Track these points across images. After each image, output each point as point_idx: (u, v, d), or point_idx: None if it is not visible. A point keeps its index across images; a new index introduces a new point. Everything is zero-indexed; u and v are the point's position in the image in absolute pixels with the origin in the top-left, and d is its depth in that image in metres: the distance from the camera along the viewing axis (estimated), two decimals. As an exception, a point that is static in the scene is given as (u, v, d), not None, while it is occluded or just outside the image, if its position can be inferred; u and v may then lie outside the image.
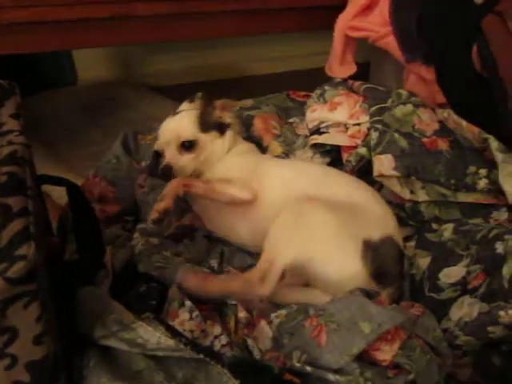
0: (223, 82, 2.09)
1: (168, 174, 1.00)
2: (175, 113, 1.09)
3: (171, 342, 0.62)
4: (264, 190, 0.96)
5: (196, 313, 0.76)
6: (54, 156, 1.44)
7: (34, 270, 0.48)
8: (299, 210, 0.84)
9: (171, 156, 1.02)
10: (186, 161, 1.02)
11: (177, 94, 1.81)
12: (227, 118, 1.08)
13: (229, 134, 1.08)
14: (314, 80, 1.31)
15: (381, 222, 0.89)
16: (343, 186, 0.97)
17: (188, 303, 0.78)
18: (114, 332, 0.65)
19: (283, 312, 0.79)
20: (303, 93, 1.39)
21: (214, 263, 0.97)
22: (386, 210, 0.94)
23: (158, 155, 1.05)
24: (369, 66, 1.76)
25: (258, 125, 1.24)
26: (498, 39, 1.01)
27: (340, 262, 0.82)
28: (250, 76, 2.20)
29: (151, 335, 0.63)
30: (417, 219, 1.02)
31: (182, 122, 1.06)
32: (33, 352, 0.52)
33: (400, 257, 0.88)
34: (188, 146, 1.02)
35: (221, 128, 1.07)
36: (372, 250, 0.82)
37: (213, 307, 0.82)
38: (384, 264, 0.84)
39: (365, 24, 1.27)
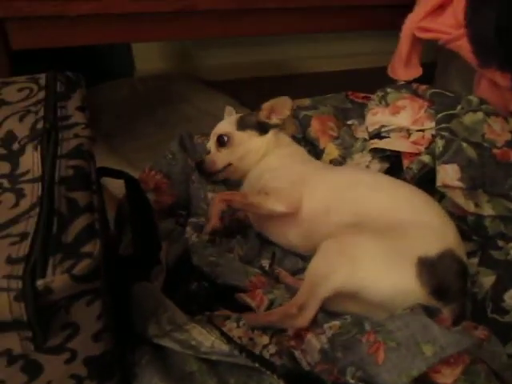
0: (278, 78, 2.06)
1: (199, 167, 1.09)
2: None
3: (225, 347, 0.61)
4: (310, 197, 0.94)
5: (243, 321, 0.75)
6: (109, 147, 1.46)
7: (98, 268, 0.48)
8: (340, 241, 0.82)
9: (211, 151, 1.10)
10: (219, 155, 1.08)
11: (231, 89, 1.83)
12: (274, 119, 1.10)
13: (271, 133, 1.09)
14: (371, 80, 1.27)
15: (439, 236, 0.84)
16: (396, 198, 0.92)
17: (234, 315, 0.77)
18: (168, 332, 0.64)
19: (337, 323, 0.76)
20: (363, 94, 1.35)
21: (266, 263, 0.97)
22: (446, 222, 0.88)
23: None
24: (430, 67, 1.68)
25: (315, 126, 1.22)
26: None
27: (392, 285, 0.77)
28: (305, 73, 2.17)
29: (205, 338, 0.62)
30: (480, 234, 0.96)
31: (222, 122, 1.14)
32: (91, 348, 0.52)
33: (462, 271, 0.82)
34: (222, 141, 1.08)
35: (262, 128, 1.09)
36: (429, 267, 0.78)
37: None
38: (444, 280, 0.79)
39: (436, 25, 1.20)
